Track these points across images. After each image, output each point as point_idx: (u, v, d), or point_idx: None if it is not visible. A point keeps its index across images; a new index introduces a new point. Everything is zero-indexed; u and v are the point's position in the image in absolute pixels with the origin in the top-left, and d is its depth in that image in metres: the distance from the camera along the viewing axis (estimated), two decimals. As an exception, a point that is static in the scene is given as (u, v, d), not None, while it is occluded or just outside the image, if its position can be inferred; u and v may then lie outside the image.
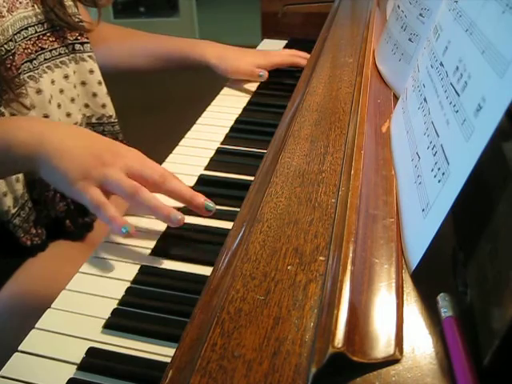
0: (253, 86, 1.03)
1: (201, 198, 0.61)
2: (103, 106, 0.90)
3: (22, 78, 0.73)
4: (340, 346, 0.30)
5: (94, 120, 0.91)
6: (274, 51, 1.09)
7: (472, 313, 0.31)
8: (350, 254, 0.36)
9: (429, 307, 0.34)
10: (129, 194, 0.59)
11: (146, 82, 2.47)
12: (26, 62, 0.75)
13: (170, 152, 0.80)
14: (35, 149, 0.60)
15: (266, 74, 1.00)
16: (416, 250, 0.37)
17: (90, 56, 0.86)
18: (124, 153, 0.62)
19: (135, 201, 0.59)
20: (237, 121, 0.90)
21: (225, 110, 0.95)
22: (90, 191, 0.58)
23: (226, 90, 1.03)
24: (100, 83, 0.89)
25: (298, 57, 1.06)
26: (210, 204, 0.62)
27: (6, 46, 0.70)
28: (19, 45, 0.74)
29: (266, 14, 1.30)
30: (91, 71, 0.87)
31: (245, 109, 0.95)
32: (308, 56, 1.05)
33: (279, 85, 1.04)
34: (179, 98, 2.53)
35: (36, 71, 0.77)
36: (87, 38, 0.86)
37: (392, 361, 0.31)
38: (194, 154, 0.80)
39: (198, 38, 3.55)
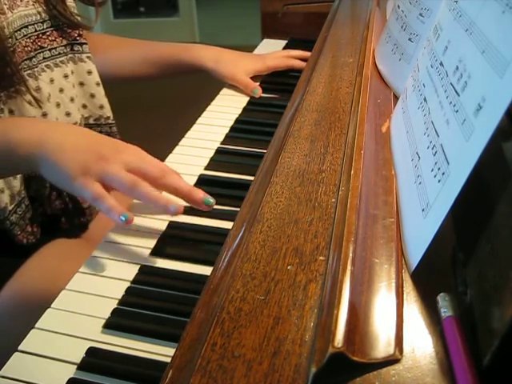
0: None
1: (200, 194, 0.62)
2: (101, 107, 0.90)
3: (22, 75, 0.73)
4: (340, 345, 0.30)
5: (91, 121, 0.91)
6: (270, 54, 1.07)
7: (472, 313, 0.31)
8: (350, 254, 0.36)
9: (429, 307, 0.34)
10: (128, 188, 0.60)
11: (145, 82, 2.46)
12: (25, 59, 0.76)
13: (170, 152, 0.80)
14: (36, 146, 0.61)
15: (259, 92, 0.98)
16: (416, 250, 0.37)
17: (88, 57, 0.86)
18: (123, 148, 0.63)
19: (135, 194, 0.61)
20: (237, 120, 0.90)
21: (225, 109, 0.95)
22: (90, 185, 0.59)
23: (225, 90, 1.03)
24: (98, 84, 0.89)
25: (293, 59, 1.06)
26: (210, 199, 0.62)
27: (5, 42, 0.70)
28: (19, 42, 0.75)
29: (265, 14, 1.30)
30: (89, 72, 0.87)
31: (245, 109, 0.95)
32: (304, 55, 1.06)
33: (279, 85, 1.04)
34: (179, 98, 2.53)
35: (35, 69, 0.77)
36: (85, 39, 0.86)
37: (392, 360, 0.31)
38: (193, 153, 0.80)
39: (197, 37, 3.55)
